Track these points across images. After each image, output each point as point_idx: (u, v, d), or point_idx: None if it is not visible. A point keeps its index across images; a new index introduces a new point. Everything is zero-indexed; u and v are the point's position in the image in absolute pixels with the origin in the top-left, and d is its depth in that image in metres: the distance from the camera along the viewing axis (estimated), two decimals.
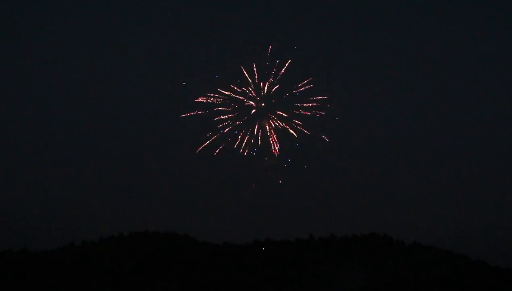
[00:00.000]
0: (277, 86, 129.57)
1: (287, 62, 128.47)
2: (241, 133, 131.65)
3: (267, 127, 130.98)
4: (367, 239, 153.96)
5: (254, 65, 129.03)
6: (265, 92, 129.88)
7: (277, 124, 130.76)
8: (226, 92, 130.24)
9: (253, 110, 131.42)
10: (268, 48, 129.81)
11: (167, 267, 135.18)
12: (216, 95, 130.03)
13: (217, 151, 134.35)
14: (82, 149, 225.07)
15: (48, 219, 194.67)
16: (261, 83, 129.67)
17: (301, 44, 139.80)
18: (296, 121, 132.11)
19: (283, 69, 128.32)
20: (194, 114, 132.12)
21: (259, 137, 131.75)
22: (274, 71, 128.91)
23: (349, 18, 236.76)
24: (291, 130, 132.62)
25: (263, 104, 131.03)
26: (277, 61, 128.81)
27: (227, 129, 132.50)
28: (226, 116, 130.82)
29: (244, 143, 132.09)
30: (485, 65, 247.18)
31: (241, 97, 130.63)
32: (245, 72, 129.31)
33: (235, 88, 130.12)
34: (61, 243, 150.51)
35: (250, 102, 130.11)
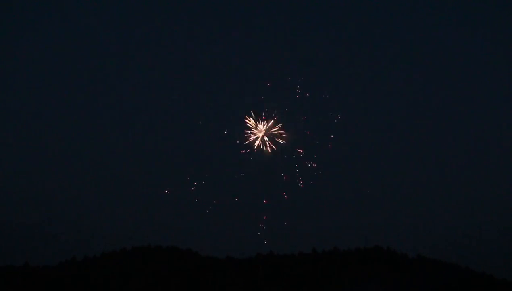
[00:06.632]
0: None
1: None
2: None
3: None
4: (370, 252, 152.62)
5: None
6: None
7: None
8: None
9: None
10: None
11: (170, 282, 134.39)
12: None
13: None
14: (83, 161, 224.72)
15: (50, 234, 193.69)
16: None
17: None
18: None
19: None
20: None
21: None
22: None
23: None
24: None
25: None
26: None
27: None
28: None
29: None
30: (484, 69, 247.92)
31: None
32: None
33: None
34: (63, 258, 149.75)
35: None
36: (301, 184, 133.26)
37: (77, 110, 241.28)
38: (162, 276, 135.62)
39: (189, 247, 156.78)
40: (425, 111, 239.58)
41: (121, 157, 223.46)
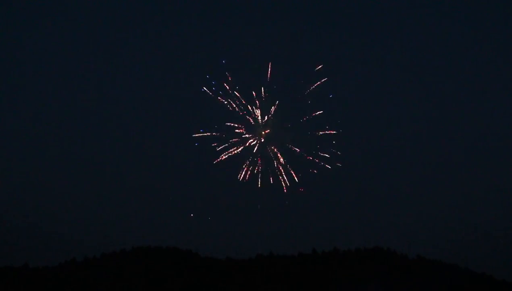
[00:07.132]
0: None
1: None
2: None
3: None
4: (370, 253, 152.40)
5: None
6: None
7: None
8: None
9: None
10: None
11: (170, 283, 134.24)
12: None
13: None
14: (84, 162, 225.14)
15: (50, 235, 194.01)
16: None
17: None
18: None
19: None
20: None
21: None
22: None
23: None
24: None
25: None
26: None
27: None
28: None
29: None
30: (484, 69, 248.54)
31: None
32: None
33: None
34: (63, 259, 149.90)
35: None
36: (301, 189, 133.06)
37: (78, 111, 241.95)
38: (162, 276, 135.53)
39: (189, 248, 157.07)
40: (424, 112, 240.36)
41: (122, 159, 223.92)
